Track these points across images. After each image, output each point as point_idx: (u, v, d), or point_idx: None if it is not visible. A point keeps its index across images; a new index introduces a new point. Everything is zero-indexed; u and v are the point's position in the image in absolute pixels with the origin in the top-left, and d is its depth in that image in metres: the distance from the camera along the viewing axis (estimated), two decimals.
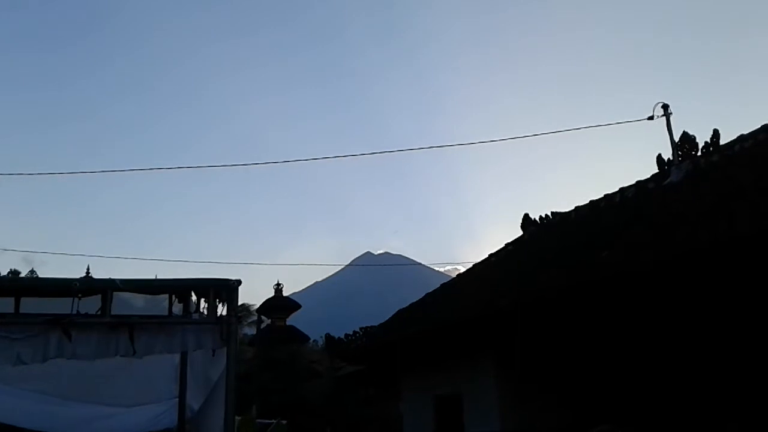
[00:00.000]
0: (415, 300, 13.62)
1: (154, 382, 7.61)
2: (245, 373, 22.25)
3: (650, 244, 6.66)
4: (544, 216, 13.35)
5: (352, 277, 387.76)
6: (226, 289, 6.09)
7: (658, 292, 6.64)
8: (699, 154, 9.72)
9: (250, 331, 30.75)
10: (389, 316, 13.73)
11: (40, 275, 27.60)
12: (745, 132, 8.69)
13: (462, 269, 15.05)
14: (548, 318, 7.87)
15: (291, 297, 32.34)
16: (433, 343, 10.19)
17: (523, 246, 12.83)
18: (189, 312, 6.25)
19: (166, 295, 6.26)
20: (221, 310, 6.07)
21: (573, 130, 12.96)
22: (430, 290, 13.85)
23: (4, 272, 30.95)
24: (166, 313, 6.16)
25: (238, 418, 10.02)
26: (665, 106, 10.36)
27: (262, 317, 30.17)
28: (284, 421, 17.57)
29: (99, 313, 5.65)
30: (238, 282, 6.15)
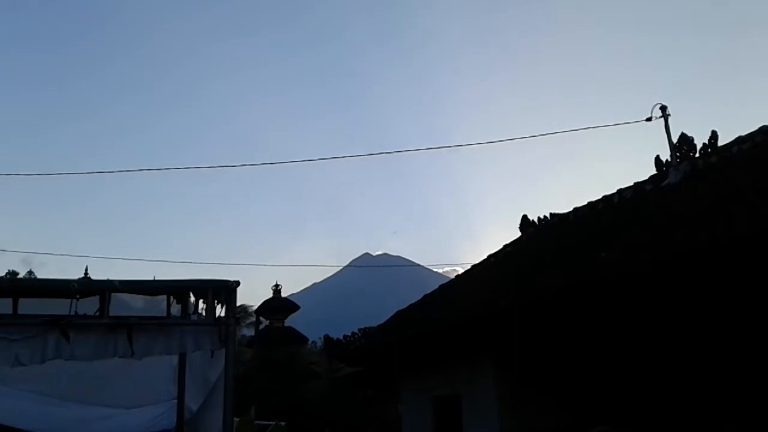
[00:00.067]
0: (413, 301, 13.62)
1: (153, 384, 7.60)
2: (244, 374, 22.25)
3: (648, 245, 6.66)
4: (542, 217, 13.36)
5: (350, 278, 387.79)
6: (225, 290, 6.09)
7: (656, 293, 6.65)
8: (697, 155, 9.74)
9: (249, 332, 30.74)
10: (388, 317, 13.72)
11: (39, 276, 27.57)
12: (744, 133, 8.70)
13: (461, 270, 15.07)
14: (547, 319, 7.87)
15: (289, 298, 32.36)
16: (432, 344, 10.20)
17: (521, 247, 12.83)
18: (187, 313, 6.24)
19: (165, 296, 6.26)
20: (220, 311, 6.07)
21: (571, 131, 13.00)
22: (429, 291, 13.85)
23: (3, 273, 30.87)
24: (164, 314, 6.16)
25: (236, 419, 10.00)
26: (663, 108, 10.39)
27: (261, 318, 30.17)
28: (283, 423, 17.57)
29: (97, 314, 5.65)
30: (237, 283, 6.14)
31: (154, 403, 7.73)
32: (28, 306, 5.65)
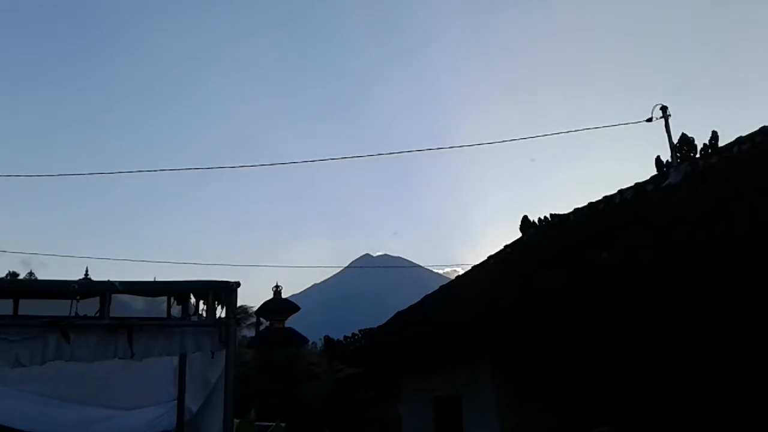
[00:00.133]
0: (414, 302, 13.62)
1: (153, 385, 7.60)
2: (244, 375, 22.24)
3: (649, 246, 6.66)
4: (543, 218, 13.36)
5: (351, 279, 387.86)
6: (225, 291, 6.10)
7: (656, 293, 6.65)
8: (697, 156, 9.74)
9: (249, 333, 30.72)
10: (388, 318, 13.72)
11: (39, 277, 27.56)
12: (744, 134, 8.70)
13: (461, 271, 15.07)
14: (547, 319, 7.87)
15: (290, 299, 32.32)
16: (432, 344, 10.19)
17: (522, 248, 12.83)
18: (188, 314, 6.26)
19: (165, 298, 6.26)
20: (220, 312, 6.07)
21: (572, 132, 13.00)
22: (429, 292, 13.85)
23: (3, 274, 30.88)
24: (165, 315, 6.16)
25: (236, 420, 10.01)
26: (664, 108, 10.39)
27: (261, 319, 30.15)
28: (283, 424, 17.56)
29: (98, 315, 5.65)
30: (237, 284, 6.15)
31: (154, 404, 7.73)
32: (29, 307, 5.65)
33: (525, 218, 13.83)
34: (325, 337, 20.26)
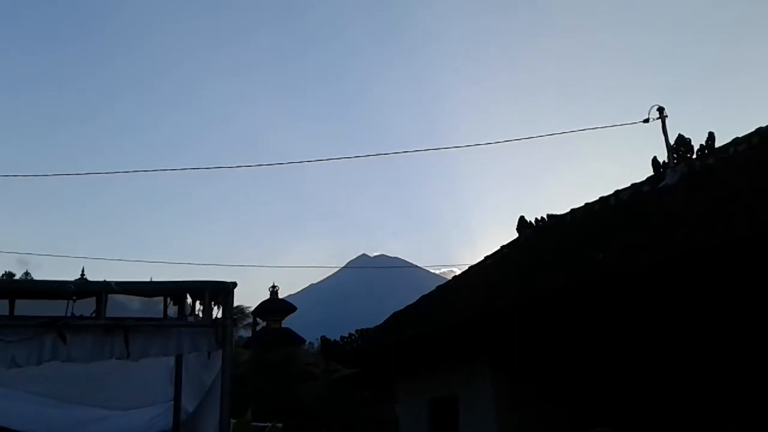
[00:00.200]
0: (411, 302, 13.61)
1: (149, 385, 7.59)
2: (240, 375, 22.22)
3: (646, 246, 6.68)
4: (540, 218, 13.36)
5: (348, 280, 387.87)
6: (222, 291, 6.09)
7: (654, 293, 6.66)
8: (694, 156, 9.75)
9: (246, 333, 30.66)
10: (385, 318, 13.71)
11: (35, 277, 27.51)
12: (740, 135, 8.72)
13: (458, 271, 15.07)
14: (545, 319, 7.88)
15: (286, 299, 32.29)
16: (429, 345, 10.19)
17: (519, 248, 12.83)
18: (184, 314, 6.24)
19: (161, 298, 6.25)
20: (216, 312, 6.07)
21: (569, 133, 13.00)
22: (426, 292, 13.85)
23: None
24: (161, 315, 6.15)
25: (233, 420, 10.00)
26: (660, 109, 10.40)
27: (258, 319, 30.09)
28: (280, 424, 17.52)
29: (94, 315, 5.64)
30: (234, 284, 6.14)
31: (150, 405, 7.71)
32: (25, 307, 5.64)
33: (522, 219, 13.83)
34: (322, 337, 20.26)
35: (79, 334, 5.53)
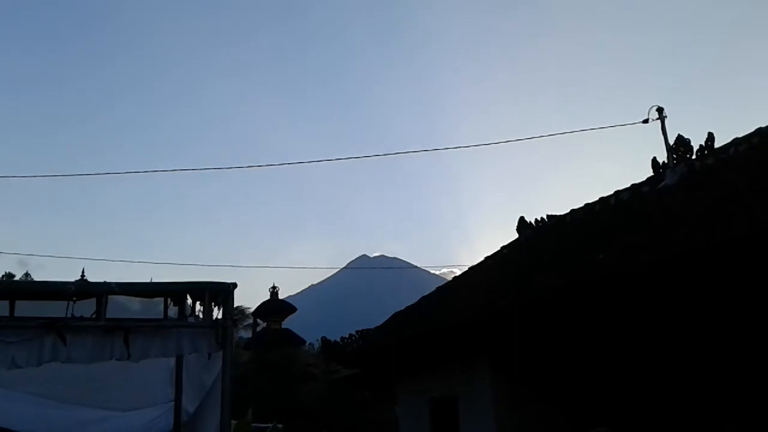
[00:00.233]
0: (411, 303, 13.61)
1: (150, 386, 7.59)
2: (241, 376, 22.21)
3: (646, 246, 6.68)
4: (539, 219, 13.37)
5: (348, 280, 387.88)
6: (222, 292, 6.10)
7: (654, 293, 6.66)
8: (694, 157, 9.76)
9: (246, 334, 30.65)
10: (385, 319, 13.71)
11: (36, 278, 27.49)
12: (740, 135, 8.72)
13: (458, 272, 15.06)
14: (545, 320, 7.88)
15: (287, 300, 32.28)
16: (429, 346, 10.19)
17: (519, 248, 12.83)
18: (184, 315, 6.25)
19: (162, 299, 6.26)
20: (217, 313, 6.07)
21: (568, 133, 12.99)
22: (427, 293, 13.85)
23: None
24: (161, 316, 6.16)
25: (233, 421, 9.99)
26: (660, 109, 10.40)
27: (258, 320, 30.08)
28: (280, 425, 17.51)
29: (94, 316, 5.64)
30: (234, 285, 6.15)
31: (151, 406, 7.72)
32: (25, 308, 5.65)
33: (522, 219, 13.84)
34: (322, 338, 20.26)
35: (79, 335, 5.53)
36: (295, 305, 31.61)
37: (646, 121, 10.42)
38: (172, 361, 7.24)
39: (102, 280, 6.05)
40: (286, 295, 33.92)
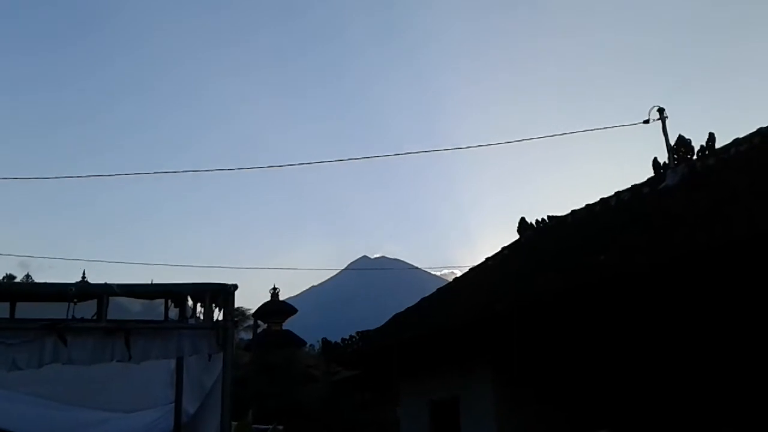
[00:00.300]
0: (411, 304, 13.60)
1: (150, 388, 7.58)
2: (241, 377, 22.19)
3: (646, 248, 6.68)
4: (540, 220, 13.36)
5: (348, 282, 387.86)
6: (223, 293, 6.09)
7: (654, 295, 6.66)
8: (695, 157, 9.75)
9: (246, 335, 30.65)
10: (386, 320, 13.70)
11: (36, 280, 27.49)
12: (741, 136, 8.72)
13: (459, 273, 15.05)
14: (545, 321, 7.87)
15: (287, 301, 32.27)
16: (430, 347, 10.19)
17: (519, 250, 12.83)
18: (185, 317, 6.24)
19: (162, 300, 6.25)
20: (217, 314, 6.07)
21: (569, 134, 13.00)
22: (427, 294, 13.84)
23: (0, 277, 30.81)
24: (162, 318, 6.15)
25: (234, 423, 9.99)
26: (661, 110, 10.40)
27: (258, 322, 30.08)
28: (280, 426, 17.51)
29: (95, 318, 5.64)
30: (235, 286, 6.14)
31: (151, 407, 7.71)
32: (26, 310, 5.64)
33: (522, 220, 13.83)
34: (322, 339, 20.19)
35: (80, 336, 5.53)
36: (295, 306, 31.62)
37: (647, 122, 10.43)
38: (173, 362, 7.24)
39: (103, 282, 6.05)
40: (286, 297, 33.91)
